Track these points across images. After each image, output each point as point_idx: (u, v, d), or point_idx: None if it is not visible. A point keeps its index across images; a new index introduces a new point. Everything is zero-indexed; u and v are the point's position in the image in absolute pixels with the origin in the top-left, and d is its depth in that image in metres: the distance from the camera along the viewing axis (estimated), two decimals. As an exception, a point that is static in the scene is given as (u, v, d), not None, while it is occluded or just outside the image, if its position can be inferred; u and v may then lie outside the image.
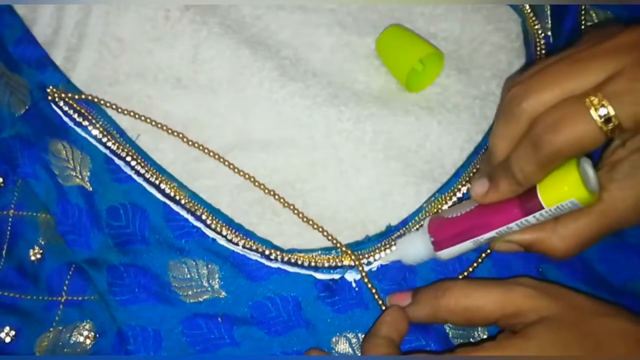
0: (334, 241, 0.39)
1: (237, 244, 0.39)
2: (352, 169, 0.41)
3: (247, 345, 0.38)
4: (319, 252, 0.39)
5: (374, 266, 0.39)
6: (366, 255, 0.39)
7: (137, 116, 0.41)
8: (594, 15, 0.42)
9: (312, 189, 0.41)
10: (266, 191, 0.40)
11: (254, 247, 0.38)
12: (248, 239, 0.39)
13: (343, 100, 0.42)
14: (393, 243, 0.39)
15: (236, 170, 0.41)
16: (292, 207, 0.40)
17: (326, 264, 0.38)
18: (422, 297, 0.36)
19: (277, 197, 0.40)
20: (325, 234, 0.39)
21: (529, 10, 0.43)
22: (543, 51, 0.41)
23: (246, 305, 0.38)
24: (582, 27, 0.41)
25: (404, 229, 0.39)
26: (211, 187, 0.41)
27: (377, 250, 0.39)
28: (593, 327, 0.33)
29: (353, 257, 0.38)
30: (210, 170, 0.41)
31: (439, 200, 0.39)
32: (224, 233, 0.39)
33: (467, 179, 0.39)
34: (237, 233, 0.39)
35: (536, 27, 0.42)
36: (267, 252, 0.38)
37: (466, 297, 0.34)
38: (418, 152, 0.41)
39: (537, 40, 0.42)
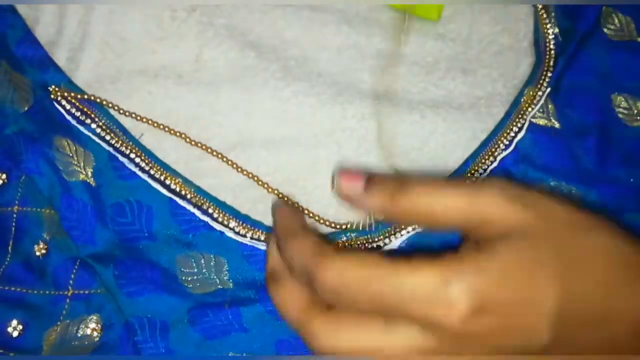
0: (345, 226, 0.39)
1: (245, 236, 0.39)
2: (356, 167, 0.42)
3: (257, 330, 0.38)
4: (327, 238, 0.39)
5: (384, 250, 0.39)
6: (376, 240, 0.39)
7: (138, 118, 0.41)
8: (615, 19, 0.43)
9: (315, 187, 0.41)
10: (269, 190, 0.41)
11: (262, 238, 0.39)
12: (256, 229, 0.39)
13: (347, 98, 0.43)
14: (403, 227, 0.39)
15: (239, 168, 0.41)
16: (295, 204, 0.40)
17: None
18: (376, 191, 0.31)
19: (280, 195, 0.41)
20: (333, 225, 0.39)
21: (540, 8, 0.44)
22: (552, 51, 0.42)
23: (253, 293, 0.39)
24: (605, 29, 0.43)
25: None
26: (214, 186, 0.41)
27: (387, 234, 0.39)
28: (569, 244, 0.29)
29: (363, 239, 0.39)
30: (213, 168, 0.41)
31: None
32: (232, 225, 0.39)
33: (472, 172, 0.40)
34: (244, 224, 0.39)
35: (547, 26, 0.43)
36: None
37: (426, 198, 0.30)
38: (422, 150, 0.42)
39: (547, 39, 0.43)
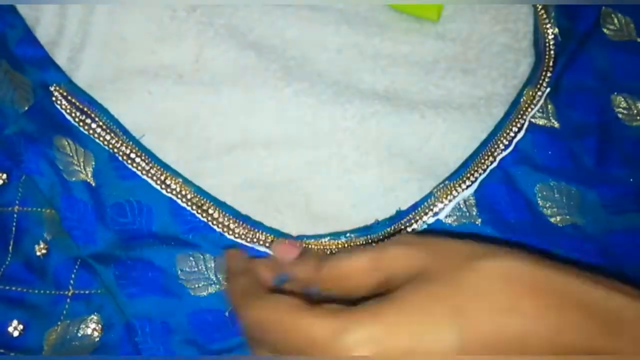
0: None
1: (244, 237, 0.39)
2: (356, 167, 0.42)
3: None
4: (328, 238, 0.39)
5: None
6: (375, 240, 0.39)
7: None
8: (615, 19, 0.43)
9: (315, 187, 0.42)
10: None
11: (262, 238, 0.39)
12: (256, 230, 0.39)
13: (348, 98, 0.43)
14: (402, 227, 0.39)
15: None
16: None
17: (335, 251, 0.39)
18: (307, 260, 0.35)
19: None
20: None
21: (539, 8, 0.44)
22: (552, 51, 0.43)
23: None
24: (604, 29, 0.43)
25: (413, 213, 0.39)
26: (214, 186, 0.41)
27: (386, 235, 0.39)
28: (466, 273, 0.29)
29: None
30: (212, 169, 0.42)
31: (448, 187, 0.40)
32: (231, 226, 0.39)
33: (472, 171, 0.40)
34: (244, 225, 0.39)
35: (547, 26, 0.43)
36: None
37: (336, 266, 0.33)
38: (421, 150, 0.42)
39: (547, 39, 0.43)
